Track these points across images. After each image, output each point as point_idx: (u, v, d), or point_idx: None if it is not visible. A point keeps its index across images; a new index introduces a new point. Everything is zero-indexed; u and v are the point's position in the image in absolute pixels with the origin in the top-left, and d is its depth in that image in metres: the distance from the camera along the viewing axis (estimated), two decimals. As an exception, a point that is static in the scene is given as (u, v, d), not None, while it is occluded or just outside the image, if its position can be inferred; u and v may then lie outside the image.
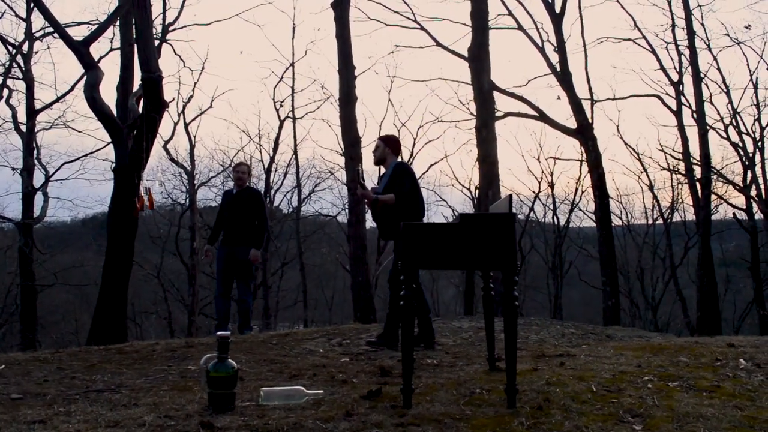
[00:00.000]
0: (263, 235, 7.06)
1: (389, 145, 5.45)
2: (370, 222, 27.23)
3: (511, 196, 3.29)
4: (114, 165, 10.61)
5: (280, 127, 23.60)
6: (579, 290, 28.52)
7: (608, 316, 13.71)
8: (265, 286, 22.66)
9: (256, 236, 6.96)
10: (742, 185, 20.68)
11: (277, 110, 23.54)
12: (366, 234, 13.00)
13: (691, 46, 17.39)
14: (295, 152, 23.47)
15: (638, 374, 3.54)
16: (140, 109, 10.37)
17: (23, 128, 18.53)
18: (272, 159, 24.12)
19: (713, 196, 18.72)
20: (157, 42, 11.34)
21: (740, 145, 20.65)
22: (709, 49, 19.76)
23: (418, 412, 2.88)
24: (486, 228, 3.08)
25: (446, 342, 5.48)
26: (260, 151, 30.56)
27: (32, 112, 18.47)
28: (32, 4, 15.60)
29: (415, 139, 25.26)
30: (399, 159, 5.48)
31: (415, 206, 5.24)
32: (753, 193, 20.53)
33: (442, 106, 54.98)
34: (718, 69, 23.24)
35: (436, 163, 27.37)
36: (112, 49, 16.95)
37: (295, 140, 23.62)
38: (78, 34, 17.91)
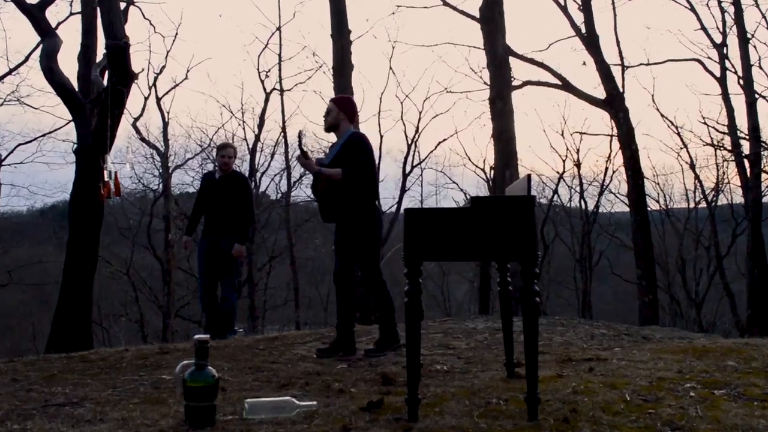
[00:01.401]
0: (249, 226, 7.15)
1: (344, 108, 5.31)
2: None
3: (530, 176, 3.29)
4: (76, 146, 10.58)
5: (266, 100, 23.52)
6: (611, 285, 28.58)
7: (644, 315, 13.72)
8: (250, 283, 22.73)
9: (242, 227, 7.02)
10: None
11: (262, 81, 23.48)
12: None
13: (736, 2, 17.28)
14: (284, 129, 23.40)
15: (679, 381, 3.54)
16: (105, 82, 10.34)
17: (-30, 105, 18.56)
18: (257, 137, 24.10)
19: (764, 175, 18.66)
20: (123, 4, 11.27)
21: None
22: (757, 5, 19.73)
23: (425, 425, 2.88)
24: (502, 213, 3.08)
25: (458, 345, 5.49)
26: (243, 129, 30.50)
27: (-20, 87, 18.49)
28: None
29: (420, 113, 24.99)
30: (354, 128, 5.39)
31: (367, 187, 5.15)
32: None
33: (451, 75, 54.94)
34: (769, 28, 23.20)
35: (444, 140, 27.29)
36: (72, 14, 16.81)
37: (283, 115, 23.46)
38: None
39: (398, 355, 4.96)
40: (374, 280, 5.14)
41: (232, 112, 27.17)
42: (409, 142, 24.32)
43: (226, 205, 7.03)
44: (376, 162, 5.58)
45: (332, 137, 5.48)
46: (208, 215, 7.16)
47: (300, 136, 5.20)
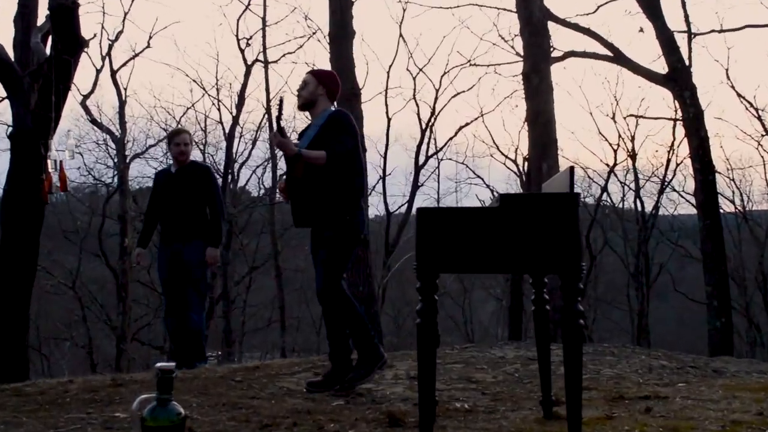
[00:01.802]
0: (220, 227, 7.19)
1: (324, 82, 5.28)
2: (376, 207, 27.26)
3: (572, 168, 3.28)
4: (11, 129, 10.62)
5: (247, 74, 23.66)
6: (673, 305, 28.57)
7: (716, 342, 13.69)
8: (225, 301, 22.79)
9: (211, 229, 7.07)
10: None
11: (242, 51, 23.68)
12: (368, 221, 12.99)
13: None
14: (268, 111, 23.42)
15: (759, 425, 3.54)
16: (48, 50, 10.38)
17: None
18: (235, 120, 24.21)
19: None
20: (69, -47, 11.30)
21: None
22: None
23: (441, 477, 2.88)
24: (538, 214, 3.09)
25: (483, 378, 5.48)
26: (219, 110, 30.30)
27: None
28: None
29: (437, 91, 24.86)
30: (335, 107, 5.36)
31: (353, 178, 5.11)
32: None
33: (475, 44, 55.14)
34: None
35: (467, 124, 26.63)
36: (5, -35, 16.97)
37: (267, 94, 23.50)
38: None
39: (396, 381, 4.96)
40: (333, 294, 5.05)
41: (204, 89, 26.90)
42: (424, 126, 24.52)
43: (187, 204, 7.04)
44: (366, 153, 5.51)
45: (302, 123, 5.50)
46: (165, 219, 7.18)
47: (280, 103, 5.10)
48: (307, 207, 5.09)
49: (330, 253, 5.08)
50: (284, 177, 5.30)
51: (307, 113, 5.37)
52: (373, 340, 5.16)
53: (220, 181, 24.36)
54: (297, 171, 5.04)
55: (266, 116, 23.81)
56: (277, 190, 5.83)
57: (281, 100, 5.12)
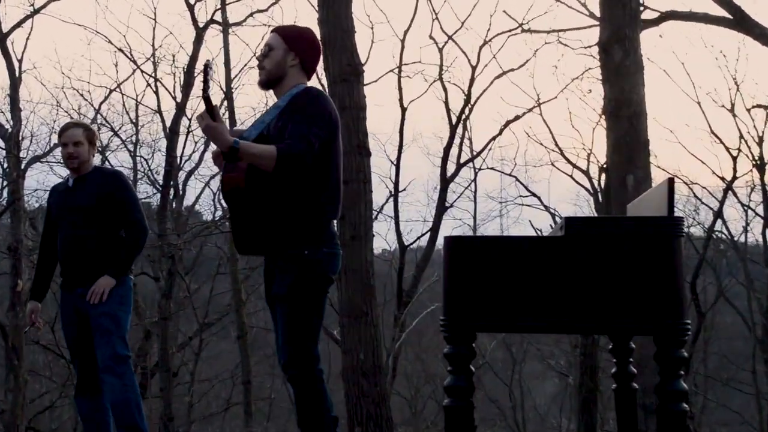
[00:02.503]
0: (135, 249, 6.99)
1: (297, 47, 5.09)
2: (384, 238, 26.53)
3: (672, 182, 3.27)
4: None
5: (198, 42, 23.41)
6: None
7: None
8: (164, 373, 22.71)
9: (124, 254, 6.89)
10: None
11: (191, 8, 23.41)
12: (373, 260, 12.97)
13: None
14: (229, 93, 23.45)
15: None
16: None
17: None
18: (181, 109, 23.95)
19: None
20: None
21: None
22: None
23: None
24: (620, 248, 3.10)
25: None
26: (156, 93, 29.47)
27: None
28: None
29: (474, 69, 24.23)
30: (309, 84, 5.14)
31: (318, 190, 4.88)
32: None
33: (528, 2, 55.08)
34: None
35: (517, 118, 25.93)
36: None
37: (228, 69, 23.53)
38: None
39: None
40: (300, 370, 4.90)
41: (135, 63, 26.68)
42: (454, 120, 24.03)
43: (89, 229, 6.91)
44: (342, 147, 5.22)
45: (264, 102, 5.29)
46: (63, 254, 7.06)
47: (206, 69, 4.74)
48: (251, 229, 4.90)
49: (287, 307, 4.89)
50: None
51: (273, 93, 5.17)
52: None
53: (151, 195, 23.64)
54: (235, 175, 4.82)
55: (225, 102, 23.62)
56: (211, 158, 5.50)
57: (207, 65, 4.75)
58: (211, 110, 4.72)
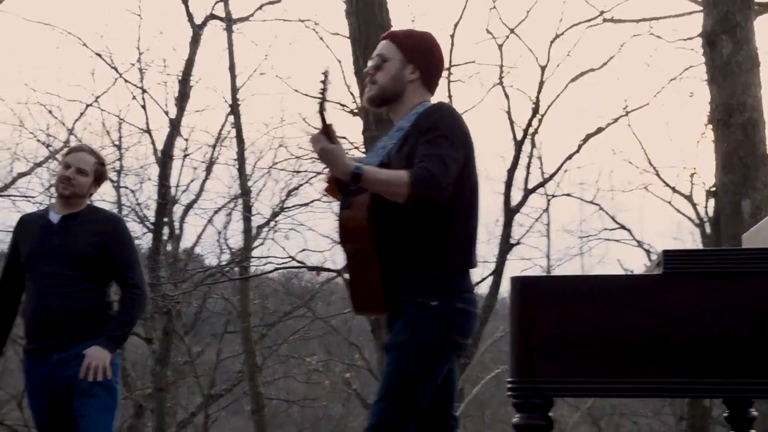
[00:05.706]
0: (132, 315, 6.93)
1: (414, 56, 4.92)
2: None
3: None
4: None
5: (195, 42, 23.84)
6: None
7: None
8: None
9: (116, 320, 6.79)
10: None
11: (185, 1, 23.61)
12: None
13: None
14: (235, 107, 23.36)
15: None
16: None
17: None
18: (175, 127, 23.50)
19: None
20: None
21: None
22: None
23: None
24: (734, 288, 3.07)
25: None
26: (143, 107, 28.06)
27: None
28: None
29: (543, 70, 24.19)
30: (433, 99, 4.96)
31: (461, 221, 4.70)
32: None
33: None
34: None
35: (600, 130, 25.55)
36: None
37: (233, 76, 23.45)
38: None
39: None
40: (391, 428, 4.69)
41: (117, 71, 26.37)
42: (520, 136, 23.85)
43: (77, 280, 6.77)
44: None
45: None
46: (34, 309, 6.92)
47: (325, 79, 4.71)
48: (377, 280, 4.74)
49: (397, 361, 4.72)
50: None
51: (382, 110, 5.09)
52: None
53: (140, 236, 23.08)
54: (356, 209, 4.71)
55: (230, 117, 23.31)
56: (324, 190, 5.44)
57: (326, 74, 4.71)
58: (327, 130, 4.64)
